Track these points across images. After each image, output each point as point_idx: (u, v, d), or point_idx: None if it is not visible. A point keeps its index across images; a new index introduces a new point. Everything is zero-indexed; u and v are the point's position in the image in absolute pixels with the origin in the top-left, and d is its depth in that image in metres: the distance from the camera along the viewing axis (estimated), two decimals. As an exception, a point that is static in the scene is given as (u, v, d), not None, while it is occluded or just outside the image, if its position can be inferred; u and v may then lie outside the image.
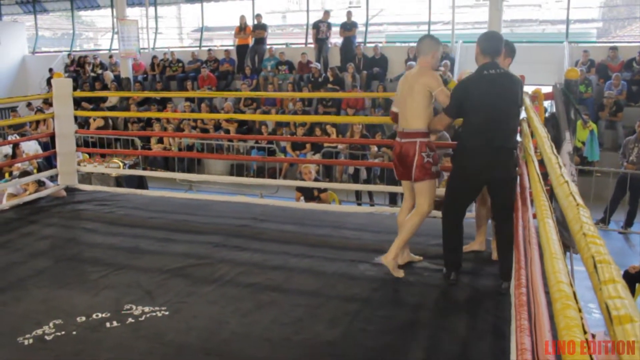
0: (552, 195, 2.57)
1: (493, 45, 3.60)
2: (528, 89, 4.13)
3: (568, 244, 3.50)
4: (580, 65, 11.37)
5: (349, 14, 13.59)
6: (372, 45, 13.60)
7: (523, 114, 3.75)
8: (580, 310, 1.08)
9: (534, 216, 2.54)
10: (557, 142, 3.79)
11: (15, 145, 9.21)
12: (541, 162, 2.56)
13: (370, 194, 9.25)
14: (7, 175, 9.02)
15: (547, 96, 4.30)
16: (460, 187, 3.72)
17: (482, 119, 3.53)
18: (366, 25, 14.73)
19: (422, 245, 4.41)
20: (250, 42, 14.44)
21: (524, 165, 3.60)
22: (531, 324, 1.95)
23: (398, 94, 3.91)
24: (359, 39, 13.99)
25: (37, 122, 12.82)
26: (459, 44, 12.90)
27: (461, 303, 3.46)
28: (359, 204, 8.91)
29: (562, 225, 2.87)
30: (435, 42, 3.81)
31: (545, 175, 2.30)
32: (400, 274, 3.79)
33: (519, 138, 4.09)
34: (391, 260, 3.77)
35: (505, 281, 3.53)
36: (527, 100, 3.77)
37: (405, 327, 3.17)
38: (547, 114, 4.42)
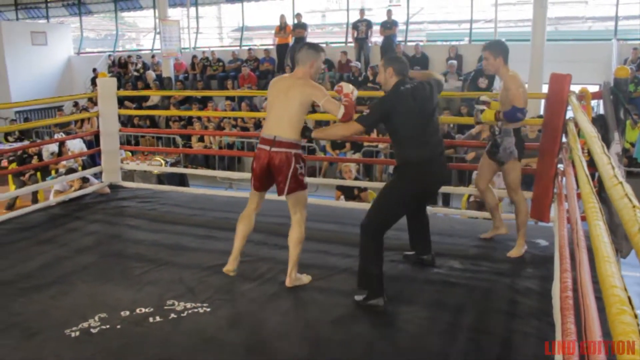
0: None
1: (404, 66, 3.59)
2: (574, 88, 4.04)
3: (617, 248, 3.41)
4: (629, 64, 11.06)
5: (389, 12, 13.53)
6: (413, 44, 13.50)
7: (570, 114, 3.66)
8: (636, 317, 1.05)
9: (582, 218, 2.48)
10: (606, 143, 3.69)
11: (62, 144, 9.44)
12: (589, 163, 2.50)
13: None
14: (53, 172, 9.27)
15: (595, 95, 4.20)
16: (406, 204, 3.64)
17: (419, 130, 3.51)
18: (407, 23, 14.63)
19: (464, 246, 4.36)
20: (290, 41, 14.50)
21: (570, 165, 3.53)
22: (578, 328, 1.90)
23: (269, 99, 3.68)
24: (400, 38, 13.90)
25: (82, 120, 13.13)
26: (501, 43, 12.68)
27: (503, 305, 3.40)
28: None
29: (610, 229, 2.80)
30: (315, 51, 3.64)
31: (591, 177, 2.25)
32: (308, 278, 3.74)
33: (564, 139, 4.01)
34: (294, 279, 3.67)
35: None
36: (574, 100, 3.68)
37: (446, 329, 3.14)
38: (594, 114, 4.32)
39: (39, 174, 9.35)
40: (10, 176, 9.54)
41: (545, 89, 4.16)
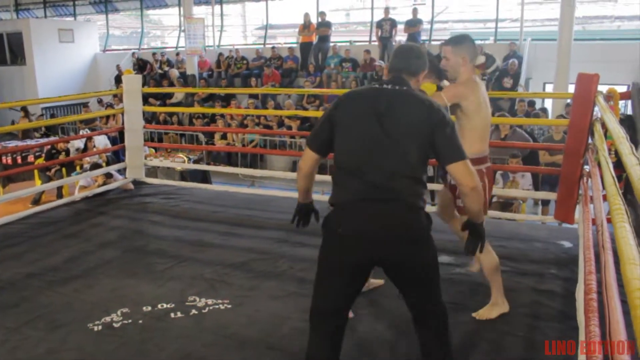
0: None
1: None
2: (602, 88, 3.99)
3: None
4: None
5: (414, 11, 13.46)
6: (438, 42, 13.40)
7: (598, 114, 3.60)
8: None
9: (608, 220, 2.44)
10: (634, 144, 3.62)
11: (88, 139, 9.56)
12: (615, 165, 2.45)
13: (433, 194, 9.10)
14: (78, 168, 9.39)
15: (623, 96, 4.13)
16: None
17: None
18: (431, 22, 14.53)
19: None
20: (314, 39, 14.49)
21: (596, 166, 3.48)
22: (602, 331, 1.87)
23: (483, 104, 3.13)
24: (424, 37, 13.82)
25: (107, 117, 13.25)
26: (527, 42, 12.52)
27: (525, 307, 3.36)
28: (434, 205, 8.78)
29: (636, 231, 2.75)
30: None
31: (618, 179, 2.21)
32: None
33: (590, 140, 3.95)
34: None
35: None
36: (601, 100, 3.63)
37: (469, 330, 3.11)
38: (622, 115, 4.25)
39: (64, 169, 9.47)
40: (36, 171, 9.68)
41: (572, 89, 4.10)
